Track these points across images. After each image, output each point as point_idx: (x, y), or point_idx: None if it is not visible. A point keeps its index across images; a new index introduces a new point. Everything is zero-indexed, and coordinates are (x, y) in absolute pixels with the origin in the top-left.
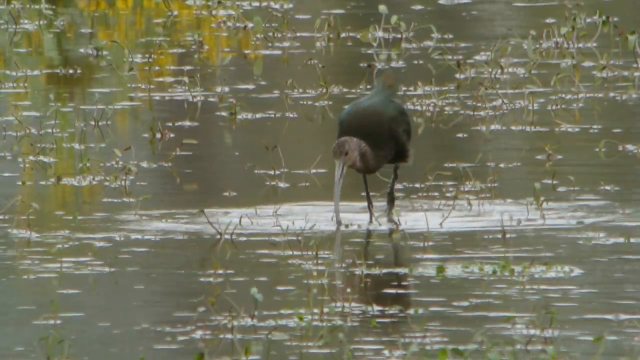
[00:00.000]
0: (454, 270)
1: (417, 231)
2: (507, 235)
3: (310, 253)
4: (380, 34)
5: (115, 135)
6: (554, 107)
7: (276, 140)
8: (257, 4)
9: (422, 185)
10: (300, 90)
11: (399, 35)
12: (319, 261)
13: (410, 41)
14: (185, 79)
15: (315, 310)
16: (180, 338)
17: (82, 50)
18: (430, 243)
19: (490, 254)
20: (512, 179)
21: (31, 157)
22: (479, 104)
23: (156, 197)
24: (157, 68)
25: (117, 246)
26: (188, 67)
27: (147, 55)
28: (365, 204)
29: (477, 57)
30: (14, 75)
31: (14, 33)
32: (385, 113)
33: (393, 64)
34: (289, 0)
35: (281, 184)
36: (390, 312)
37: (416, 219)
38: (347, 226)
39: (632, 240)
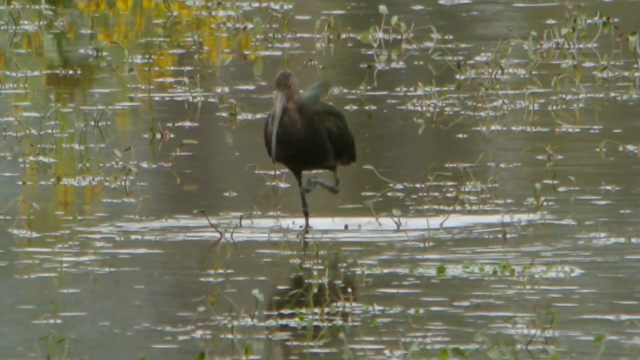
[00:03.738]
0: (454, 270)
1: (417, 231)
2: (507, 235)
3: (310, 253)
4: (380, 34)
5: (115, 135)
6: (554, 107)
7: None
8: (257, 4)
9: (423, 186)
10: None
11: (399, 36)
12: (319, 261)
13: (411, 42)
14: (185, 79)
15: (316, 310)
16: (181, 338)
17: (82, 51)
18: (431, 243)
19: (491, 254)
20: (513, 180)
21: (31, 158)
22: (480, 105)
23: (156, 197)
24: (157, 69)
25: (117, 246)
26: (188, 68)
27: (147, 56)
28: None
29: (478, 58)
30: (14, 75)
31: (14, 34)
32: (309, 107)
33: (393, 65)
34: (289, 1)
35: (281, 184)
36: (391, 311)
37: (417, 219)
38: (346, 226)
39: (632, 240)
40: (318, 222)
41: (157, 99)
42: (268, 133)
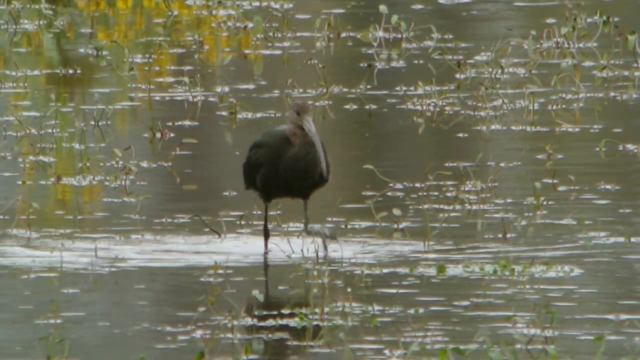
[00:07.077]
0: (454, 269)
1: (417, 231)
2: (507, 235)
3: (310, 253)
4: (380, 33)
5: (115, 135)
6: (554, 107)
7: None
8: (257, 3)
9: (423, 185)
10: (301, 90)
11: (399, 35)
12: (319, 261)
13: (411, 41)
14: (186, 78)
15: (316, 310)
16: (181, 338)
17: (82, 50)
18: (431, 243)
19: (491, 254)
20: (513, 179)
21: (31, 157)
22: (480, 104)
23: (156, 196)
24: (157, 68)
25: (117, 246)
26: (188, 67)
27: (147, 55)
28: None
29: (478, 57)
30: (14, 75)
31: (14, 33)
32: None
33: (393, 64)
34: (289, 0)
35: None
36: (391, 311)
37: (416, 218)
38: (345, 226)
39: (632, 240)
40: (318, 222)
41: (157, 98)
42: (315, 152)
